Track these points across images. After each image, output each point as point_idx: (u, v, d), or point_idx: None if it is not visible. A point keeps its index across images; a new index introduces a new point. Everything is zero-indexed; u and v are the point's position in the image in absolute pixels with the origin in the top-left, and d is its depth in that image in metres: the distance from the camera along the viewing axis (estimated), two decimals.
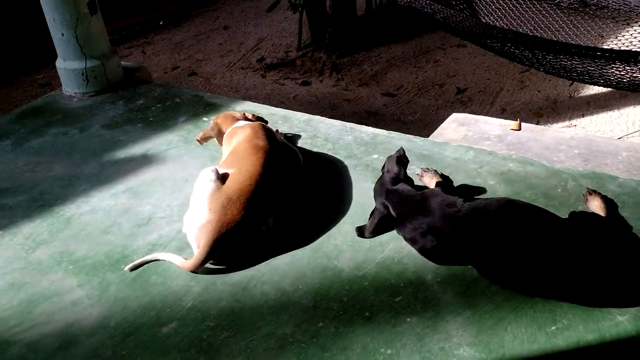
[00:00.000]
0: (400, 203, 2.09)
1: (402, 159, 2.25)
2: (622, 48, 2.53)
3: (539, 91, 4.75)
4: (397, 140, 2.84)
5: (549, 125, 4.28)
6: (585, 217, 2.03)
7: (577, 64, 2.10)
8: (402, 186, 2.15)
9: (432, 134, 3.41)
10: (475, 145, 3.20)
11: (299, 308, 1.87)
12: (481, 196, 2.32)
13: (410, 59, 5.62)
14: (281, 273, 2.03)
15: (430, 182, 2.33)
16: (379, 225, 2.15)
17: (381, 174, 2.31)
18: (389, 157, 2.31)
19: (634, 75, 2.10)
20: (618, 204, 2.23)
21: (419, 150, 2.72)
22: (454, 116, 3.60)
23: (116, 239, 2.26)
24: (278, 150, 2.38)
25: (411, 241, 2.05)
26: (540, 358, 1.66)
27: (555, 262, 1.80)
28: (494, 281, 1.90)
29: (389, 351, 1.70)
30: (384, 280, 1.96)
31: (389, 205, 2.13)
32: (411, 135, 2.91)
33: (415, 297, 1.88)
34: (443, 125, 3.50)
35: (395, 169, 2.22)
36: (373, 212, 2.21)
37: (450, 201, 1.99)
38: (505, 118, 3.61)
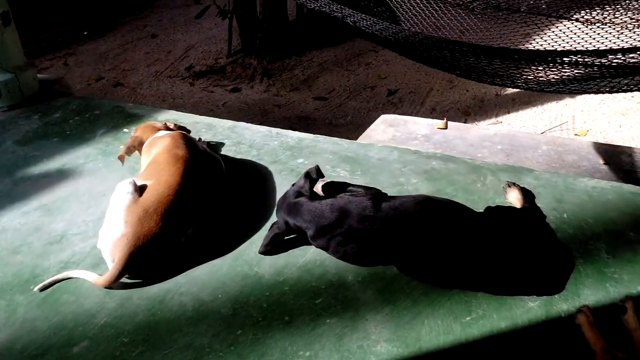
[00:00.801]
0: (310, 216, 2.07)
1: (310, 175, 2.23)
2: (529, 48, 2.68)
3: (467, 90, 4.93)
4: (322, 143, 2.90)
5: (477, 122, 4.45)
6: (500, 210, 2.14)
7: (486, 66, 2.21)
8: (303, 200, 2.12)
9: (361, 136, 3.49)
10: (403, 145, 3.31)
11: (218, 317, 1.89)
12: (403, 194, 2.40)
13: (342, 62, 5.73)
14: (200, 283, 2.04)
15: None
16: (273, 240, 2.14)
17: None
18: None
19: (539, 75, 2.23)
20: (535, 195, 2.36)
21: (345, 153, 2.79)
22: (383, 117, 3.70)
23: (26, 259, 2.21)
24: (198, 159, 2.38)
25: (332, 252, 2.07)
26: (456, 348, 1.73)
27: (470, 254, 1.90)
28: (413, 277, 1.97)
29: (307, 353, 1.74)
30: (305, 284, 2.00)
31: (289, 220, 2.11)
32: (337, 138, 2.97)
33: (335, 298, 1.93)
34: (372, 127, 3.60)
35: (301, 182, 2.22)
36: (272, 226, 2.20)
37: (366, 204, 2.03)
38: (435, 117, 3.74)
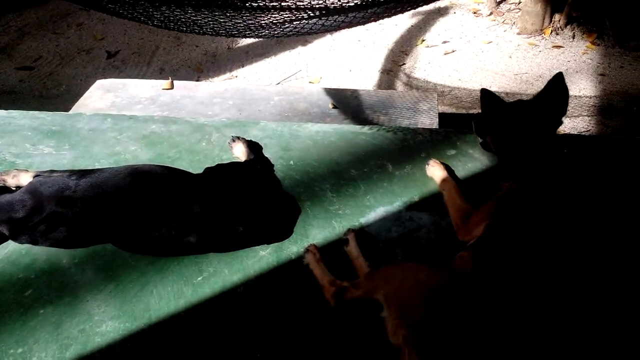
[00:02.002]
0: (1, 214, 1.93)
1: None
2: None
3: (197, 46, 4.98)
4: (18, 119, 2.67)
5: (211, 79, 4.53)
6: (220, 168, 2.21)
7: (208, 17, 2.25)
8: None
9: (74, 107, 3.31)
10: (125, 111, 3.23)
11: None
12: (121, 164, 2.35)
13: (47, 24, 5.31)
14: None
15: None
16: None
17: None
18: None
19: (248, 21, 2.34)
20: (262, 146, 2.51)
21: (48, 127, 2.62)
22: (99, 83, 3.55)
23: None
24: None
25: (42, 243, 1.95)
26: (188, 310, 1.81)
27: (188, 220, 1.92)
28: (133, 252, 1.98)
29: (19, 350, 1.66)
30: (11, 277, 1.89)
31: None
32: (36, 112, 2.76)
33: (49, 286, 1.86)
34: (86, 95, 3.43)
35: None
36: None
37: (62, 184, 1.94)
38: (165, 77, 3.70)
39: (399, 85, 4.41)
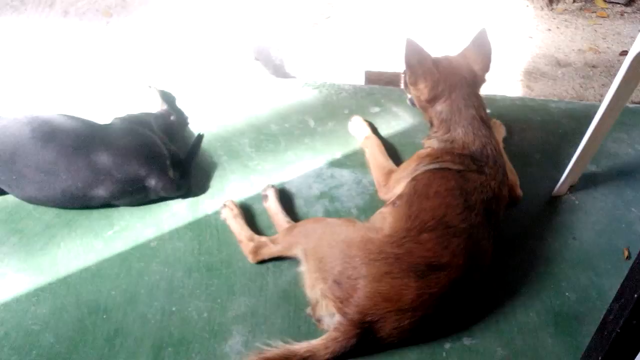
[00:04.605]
0: None
1: None
2: None
3: None
4: None
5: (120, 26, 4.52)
6: (131, 118, 2.26)
7: None
8: None
9: None
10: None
11: None
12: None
13: None
14: None
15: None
16: None
17: None
18: None
19: None
20: (175, 97, 2.60)
21: None
22: None
23: None
24: None
25: None
26: (98, 263, 1.92)
27: (96, 169, 2.00)
28: (37, 204, 2.06)
29: None
30: None
31: None
32: None
33: None
34: None
35: None
36: None
37: None
38: (69, 21, 3.69)
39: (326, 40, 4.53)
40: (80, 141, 2.03)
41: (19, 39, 3.38)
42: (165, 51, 3.38)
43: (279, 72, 3.35)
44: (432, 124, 2.16)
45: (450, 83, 2.11)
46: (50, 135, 2.01)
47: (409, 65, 2.12)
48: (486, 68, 2.18)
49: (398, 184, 2.07)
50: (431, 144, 2.10)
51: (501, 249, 1.98)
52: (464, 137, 2.04)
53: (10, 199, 2.05)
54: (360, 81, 3.28)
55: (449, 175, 1.95)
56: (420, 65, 2.10)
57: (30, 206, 2.04)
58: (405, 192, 1.96)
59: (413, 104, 2.28)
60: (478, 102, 2.13)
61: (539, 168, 2.37)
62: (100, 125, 2.17)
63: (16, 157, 1.96)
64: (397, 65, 2.78)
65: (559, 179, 2.25)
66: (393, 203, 1.96)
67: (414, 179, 2.00)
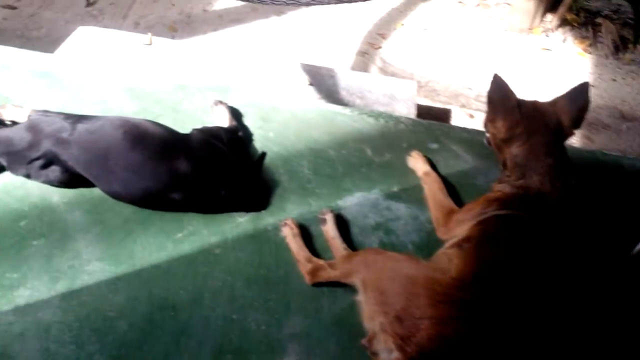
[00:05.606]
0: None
1: None
2: None
3: (173, 4, 5.23)
4: (9, 56, 2.94)
5: (184, 40, 4.82)
6: (207, 130, 2.52)
7: None
8: None
9: (57, 51, 3.57)
10: (109, 61, 3.50)
11: None
12: (107, 114, 2.63)
13: None
14: None
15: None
16: None
17: None
18: None
19: None
20: (243, 114, 2.83)
21: (39, 68, 2.90)
22: (81, 29, 3.81)
23: None
24: None
25: (35, 177, 2.29)
26: (168, 262, 2.18)
27: (174, 176, 2.25)
28: (119, 200, 2.31)
29: (15, 275, 2.03)
30: (7, 206, 2.24)
31: None
32: (27, 50, 3.03)
33: (41, 220, 2.22)
34: (69, 40, 3.69)
35: None
36: None
37: (59, 126, 2.27)
38: (139, 32, 3.97)
39: (374, 69, 4.76)
40: (164, 147, 2.30)
41: (96, 45, 3.65)
42: (224, 69, 3.61)
43: (332, 97, 3.54)
44: (504, 167, 2.20)
45: (531, 127, 2.15)
46: (140, 139, 2.27)
47: (490, 100, 2.20)
48: (575, 122, 2.20)
49: (460, 226, 2.12)
50: (502, 188, 2.13)
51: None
52: (540, 185, 2.05)
53: (96, 191, 2.31)
54: (411, 111, 3.45)
55: (520, 223, 1.99)
56: (502, 103, 2.17)
57: (112, 201, 2.30)
58: (473, 236, 2.00)
59: (489, 142, 2.34)
60: (559, 153, 2.14)
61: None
62: (182, 135, 2.43)
63: (109, 154, 2.23)
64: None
65: None
66: (459, 245, 2.00)
67: (480, 222, 2.04)
